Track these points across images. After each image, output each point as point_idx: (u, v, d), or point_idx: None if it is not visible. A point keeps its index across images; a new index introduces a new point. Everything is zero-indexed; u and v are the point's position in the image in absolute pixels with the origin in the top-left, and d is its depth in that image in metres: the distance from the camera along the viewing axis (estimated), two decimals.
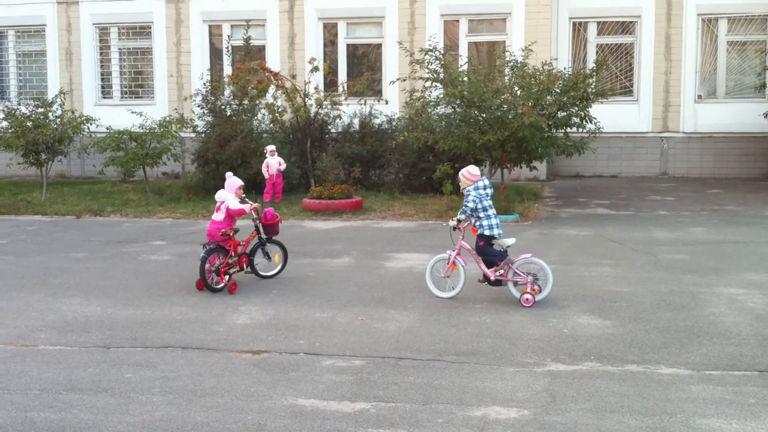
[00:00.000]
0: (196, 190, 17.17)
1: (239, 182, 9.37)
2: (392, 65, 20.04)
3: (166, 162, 17.96)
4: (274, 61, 20.18)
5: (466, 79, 14.80)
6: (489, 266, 8.47)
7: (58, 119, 17.99)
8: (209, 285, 8.90)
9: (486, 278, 8.52)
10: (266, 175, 16.15)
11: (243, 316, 7.97)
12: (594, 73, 15.02)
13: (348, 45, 21.00)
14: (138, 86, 22.11)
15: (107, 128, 17.51)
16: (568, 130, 15.07)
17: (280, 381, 6.07)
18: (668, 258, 10.58)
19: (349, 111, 18.43)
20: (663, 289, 8.86)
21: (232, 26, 20.72)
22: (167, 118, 17.72)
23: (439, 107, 15.36)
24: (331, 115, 18.23)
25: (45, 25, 21.95)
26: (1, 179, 20.85)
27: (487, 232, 8.48)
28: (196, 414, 5.45)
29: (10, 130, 17.59)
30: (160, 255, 11.38)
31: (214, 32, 21.43)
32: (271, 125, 18.01)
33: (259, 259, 9.58)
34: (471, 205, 8.43)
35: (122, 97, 21.98)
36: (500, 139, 14.20)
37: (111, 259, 11.07)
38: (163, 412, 5.50)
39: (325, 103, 17.74)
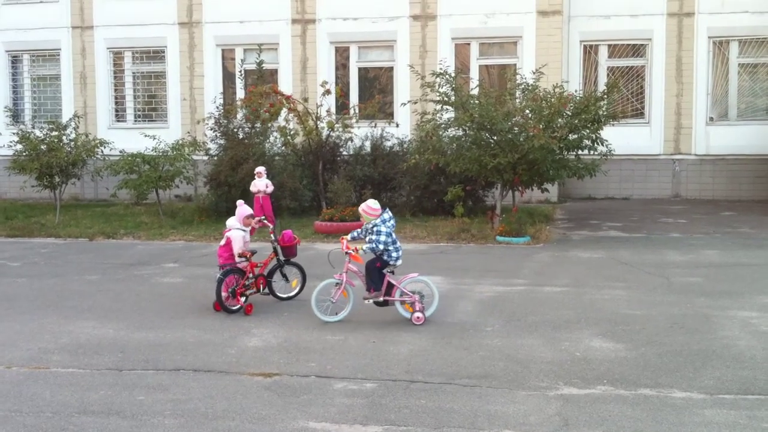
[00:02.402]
0: (208, 212, 17.24)
1: (246, 211, 9.42)
2: (403, 88, 20.14)
3: (178, 185, 18.07)
4: (286, 84, 20.33)
5: (476, 102, 14.86)
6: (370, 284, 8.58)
7: (72, 142, 18.13)
8: (225, 306, 8.93)
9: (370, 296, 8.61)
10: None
11: (255, 339, 7.97)
12: (605, 96, 15.04)
13: (359, 68, 21.13)
14: (151, 110, 22.29)
15: (120, 151, 17.64)
16: (580, 152, 15.09)
17: (291, 404, 6.07)
18: (681, 281, 10.53)
19: (361, 134, 18.52)
20: (676, 312, 8.82)
21: (244, 50, 20.89)
22: (180, 141, 17.86)
23: (450, 130, 15.42)
24: (343, 138, 18.32)
25: (60, 49, 22.20)
26: (15, 202, 20.99)
27: (392, 263, 8.57)
28: None
29: (24, 153, 17.73)
30: (173, 277, 11.41)
31: (227, 56, 21.62)
32: (283, 148, 18.10)
33: (277, 280, 9.62)
34: (383, 240, 8.42)
35: (136, 121, 22.15)
36: (511, 161, 14.22)
37: (124, 282, 11.11)
38: None
39: (336, 125, 17.83)
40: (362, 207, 8.68)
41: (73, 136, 18.31)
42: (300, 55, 20.93)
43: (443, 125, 15.32)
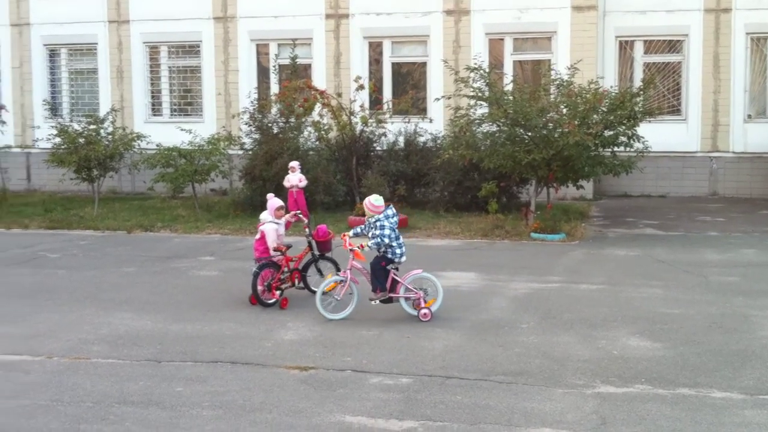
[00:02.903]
0: (243, 206, 17.36)
1: (277, 204, 9.47)
2: (437, 83, 20.09)
3: (214, 179, 18.20)
4: (320, 79, 20.37)
5: (511, 97, 14.80)
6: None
7: (110, 136, 18.35)
8: (261, 300, 9.01)
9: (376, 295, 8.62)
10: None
11: (290, 332, 8.04)
12: (641, 92, 14.90)
13: (393, 63, 21.12)
14: (187, 104, 22.48)
15: (157, 145, 17.81)
16: (616, 149, 14.97)
17: (327, 398, 6.11)
18: (719, 279, 10.42)
19: (394, 129, 18.52)
20: (714, 311, 8.73)
21: (279, 45, 20.95)
22: (215, 136, 17.97)
23: (483, 125, 15.37)
24: (376, 133, 18.34)
25: (97, 43, 22.43)
26: (53, 194, 21.29)
27: (397, 260, 8.57)
28: (245, 429, 5.51)
29: (62, 147, 17.97)
30: (209, 270, 11.53)
31: (261, 51, 21.71)
32: (317, 143, 18.16)
33: (312, 275, 9.68)
34: (388, 236, 8.40)
35: (172, 115, 22.33)
36: (546, 157, 14.14)
37: (161, 274, 11.25)
38: (212, 426, 5.57)
39: (370, 121, 17.86)
40: (365, 202, 8.69)
41: (110, 129, 18.54)
42: (333, 50, 20.97)
43: (477, 121, 15.28)
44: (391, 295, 8.57)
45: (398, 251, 8.52)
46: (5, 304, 9.38)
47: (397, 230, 8.55)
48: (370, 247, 8.45)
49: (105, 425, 5.59)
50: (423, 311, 8.42)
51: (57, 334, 8.05)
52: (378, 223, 8.45)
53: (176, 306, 9.26)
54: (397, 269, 8.64)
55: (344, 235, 8.66)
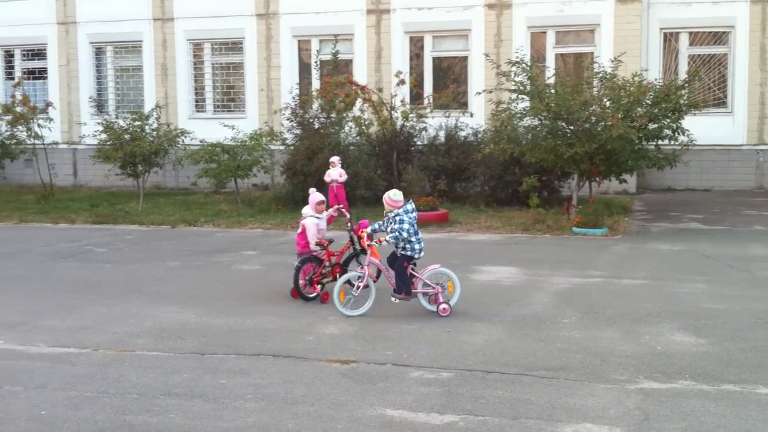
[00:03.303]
0: (285, 201, 17.50)
1: (318, 198, 9.50)
2: (478, 78, 20.02)
3: (256, 174, 18.39)
4: (361, 74, 20.43)
5: (553, 91, 14.69)
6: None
7: (154, 132, 18.64)
8: (302, 294, 9.07)
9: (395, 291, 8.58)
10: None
11: (332, 326, 8.08)
12: (686, 84, 14.69)
13: (434, 58, 21.08)
14: (230, 100, 22.70)
15: (201, 141, 18.04)
16: (660, 142, 14.77)
17: (368, 391, 6.14)
18: (765, 275, 10.23)
19: (435, 123, 18.52)
20: (760, 306, 8.58)
21: (320, 41, 21.05)
22: (258, 131, 18.15)
23: (525, 119, 15.27)
24: (417, 128, 18.36)
25: (142, 41, 22.77)
26: (99, 190, 21.68)
27: (417, 255, 8.50)
28: (287, 421, 5.56)
29: (108, 143, 18.30)
30: (251, 265, 11.65)
31: (303, 47, 21.84)
32: (358, 138, 18.22)
33: (353, 269, 9.70)
34: (407, 231, 8.34)
35: (215, 111, 22.58)
36: (588, 151, 14.01)
37: (204, 268, 11.39)
38: (255, 418, 5.63)
39: (411, 115, 17.88)
40: (384, 197, 8.63)
41: (155, 125, 18.82)
42: (374, 46, 21.00)
43: (518, 115, 15.20)
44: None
45: (417, 246, 8.47)
46: (53, 298, 9.58)
47: (416, 225, 8.51)
48: (387, 241, 8.40)
49: (150, 417, 5.68)
50: (442, 306, 8.39)
51: (103, 327, 8.20)
52: (397, 218, 8.42)
53: (219, 299, 9.37)
54: (414, 264, 8.62)
55: (362, 232, 8.64)
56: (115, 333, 7.96)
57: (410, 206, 8.53)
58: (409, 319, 8.31)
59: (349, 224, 9.76)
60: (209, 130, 19.40)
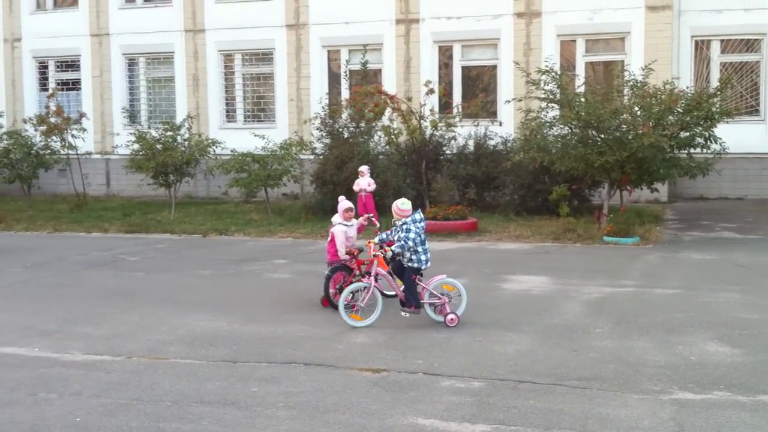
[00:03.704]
0: (314, 210, 17.57)
1: (345, 205, 9.51)
2: (507, 86, 19.99)
3: (286, 183, 18.50)
4: (390, 84, 20.49)
5: (583, 99, 14.62)
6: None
7: (186, 142, 18.82)
8: (333, 302, 9.09)
9: (403, 305, 8.52)
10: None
11: (362, 335, 8.10)
12: (718, 92, 14.55)
13: (463, 67, 21.09)
14: (260, 110, 22.86)
15: (231, 151, 18.18)
16: (692, 150, 14.63)
17: (399, 400, 6.14)
18: None
19: (464, 132, 18.52)
20: None
21: (349, 51, 21.15)
22: (287, 141, 18.25)
23: (555, 128, 15.22)
24: (446, 137, 18.38)
25: (173, 52, 23.02)
26: (131, 199, 21.91)
27: (423, 267, 8.46)
28: (319, 430, 5.58)
29: (141, 153, 18.51)
30: (282, 273, 11.71)
31: (332, 57, 21.95)
32: (387, 147, 18.27)
33: (382, 278, 9.71)
34: (413, 240, 8.31)
35: (245, 121, 22.76)
36: (619, 160, 13.93)
37: (235, 277, 11.47)
38: (287, 426, 5.65)
39: (440, 124, 17.89)
40: (393, 206, 8.63)
41: (186, 136, 19.01)
42: (403, 55, 21.06)
43: (548, 123, 15.15)
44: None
45: (423, 257, 8.44)
46: (87, 306, 9.70)
47: (423, 236, 8.47)
48: (393, 250, 8.38)
49: (183, 424, 5.72)
50: (450, 316, 8.34)
51: (136, 335, 8.28)
52: (405, 227, 8.41)
53: (250, 308, 9.43)
54: (421, 275, 8.59)
55: (370, 242, 8.63)
56: (148, 341, 8.04)
57: (418, 216, 8.51)
58: (440, 328, 8.29)
59: (378, 233, 9.76)
60: (240, 139, 19.56)
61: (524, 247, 13.70)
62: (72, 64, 24.18)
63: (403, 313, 8.51)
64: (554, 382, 6.45)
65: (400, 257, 8.53)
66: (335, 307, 9.08)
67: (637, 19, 19.34)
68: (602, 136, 14.31)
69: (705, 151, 14.59)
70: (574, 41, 20.10)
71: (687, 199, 20.00)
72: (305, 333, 8.21)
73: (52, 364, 7.29)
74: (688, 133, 14.27)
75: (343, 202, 9.61)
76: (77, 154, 20.37)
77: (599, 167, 14.22)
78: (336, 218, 9.54)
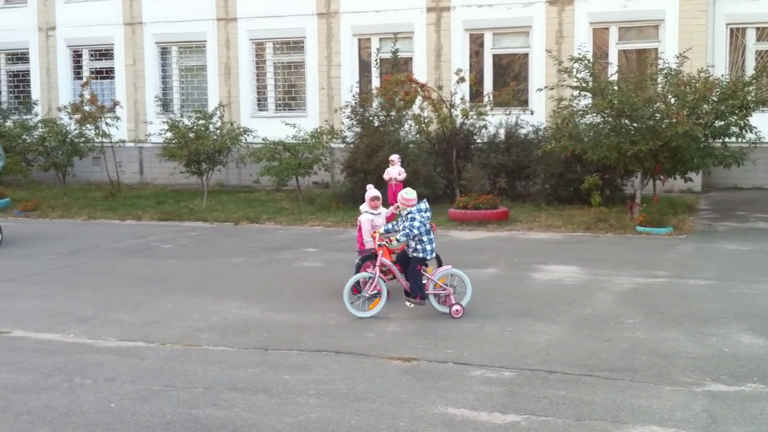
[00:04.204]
0: (345, 199, 17.61)
1: (372, 194, 9.47)
2: (539, 75, 19.83)
3: (316, 172, 18.56)
4: (420, 72, 20.42)
5: (616, 87, 14.48)
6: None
7: (218, 131, 18.94)
8: (363, 291, 9.11)
9: (408, 294, 8.49)
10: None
11: (392, 324, 8.12)
12: (754, 81, 14.33)
13: (494, 55, 20.96)
14: (291, 99, 22.92)
15: (263, 139, 18.25)
16: (726, 139, 14.44)
17: (430, 389, 6.16)
18: None
19: (495, 121, 18.42)
20: None
21: (380, 39, 21.12)
22: (318, 130, 18.28)
23: (587, 116, 15.10)
24: (477, 126, 18.29)
25: (205, 41, 23.13)
26: (164, 187, 22.11)
27: (428, 257, 8.42)
28: (350, 418, 5.62)
29: (173, 141, 18.66)
30: (312, 262, 11.77)
31: (363, 45, 21.92)
32: (418, 136, 18.24)
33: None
34: (417, 228, 8.26)
35: (276, 110, 22.83)
36: (652, 149, 13.79)
37: (266, 265, 11.56)
38: (318, 414, 5.70)
39: (470, 113, 17.81)
40: (398, 196, 8.63)
41: (218, 124, 19.12)
42: (434, 43, 20.97)
43: (580, 112, 15.02)
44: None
45: (428, 247, 8.41)
46: (121, 293, 9.83)
47: (428, 225, 8.43)
48: (398, 240, 8.35)
49: (216, 410, 5.79)
50: (455, 307, 8.30)
51: (169, 322, 8.38)
52: (409, 215, 8.40)
53: (281, 296, 9.50)
54: (426, 266, 8.56)
55: (375, 233, 8.62)
56: (181, 327, 8.14)
57: (423, 206, 8.47)
58: (470, 317, 8.29)
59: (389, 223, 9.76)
60: (271, 128, 19.62)
61: (555, 236, 13.63)
62: (106, 53, 24.38)
63: (407, 303, 8.50)
64: (585, 373, 6.43)
65: (405, 247, 8.51)
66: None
67: (671, 7, 19.06)
68: (635, 124, 14.17)
69: (740, 140, 14.39)
70: (607, 29, 19.87)
71: (721, 188, 19.74)
72: (336, 321, 8.26)
73: (87, 350, 7.41)
74: (722, 122, 14.08)
75: (370, 191, 9.61)
76: (111, 143, 20.58)
77: (632, 156, 14.09)
78: (364, 207, 9.55)
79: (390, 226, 8.67)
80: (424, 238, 8.40)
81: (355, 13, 21.46)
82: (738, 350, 6.97)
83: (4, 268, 11.53)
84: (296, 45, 22.52)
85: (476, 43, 21.06)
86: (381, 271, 8.56)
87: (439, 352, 7.13)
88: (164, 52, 23.98)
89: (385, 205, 9.88)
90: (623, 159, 14.33)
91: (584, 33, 19.65)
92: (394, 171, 15.71)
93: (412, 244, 8.42)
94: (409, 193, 8.56)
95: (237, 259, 12.10)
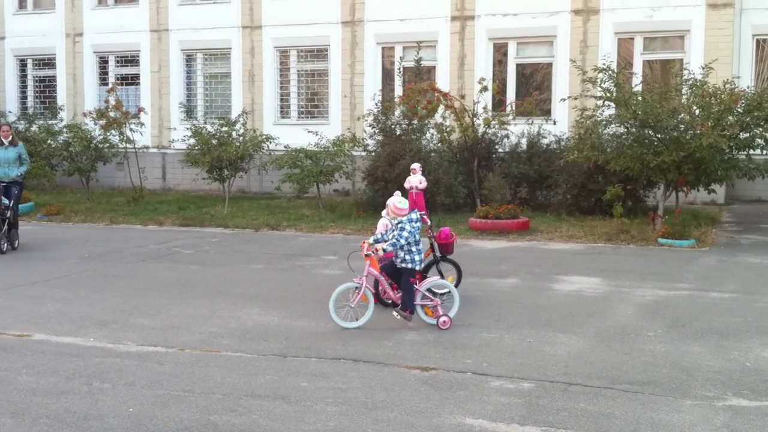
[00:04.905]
0: (365, 207, 17.62)
1: (389, 200, 9.38)
2: (562, 84, 19.78)
3: (337, 179, 18.60)
4: (443, 81, 20.44)
5: (640, 98, 14.40)
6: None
7: (241, 137, 19.04)
8: (382, 299, 9.11)
9: (395, 305, 8.40)
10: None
11: (411, 333, 8.10)
12: None
13: (517, 64, 20.93)
14: (313, 106, 23.02)
15: (285, 146, 18.33)
16: (751, 151, 14.31)
17: (448, 399, 6.13)
18: None
19: (517, 131, 18.39)
20: None
21: (404, 48, 21.18)
22: (340, 137, 18.34)
23: (610, 127, 15.02)
24: (499, 135, 18.27)
25: (230, 48, 23.30)
26: (187, 193, 22.26)
27: (417, 267, 8.33)
28: (367, 426, 5.60)
29: (196, 147, 18.79)
30: (332, 269, 11.77)
31: (386, 54, 21.99)
32: (439, 144, 18.23)
33: (432, 276, 9.70)
34: (405, 238, 8.18)
35: (299, 117, 22.94)
36: (676, 160, 13.69)
37: (287, 272, 11.58)
38: (336, 422, 5.69)
39: (492, 122, 17.78)
40: (389, 204, 8.50)
41: (241, 131, 19.23)
42: (458, 52, 20.98)
43: (603, 122, 14.95)
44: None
45: (417, 258, 8.34)
46: (142, 297, 9.88)
47: (417, 236, 8.35)
48: (384, 249, 8.26)
49: (234, 417, 5.79)
50: (442, 319, 8.21)
51: (189, 327, 8.41)
52: (399, 225, 8.33)
53: (301, 303, 9.51)
54: (416, 278, 8.48)
55: (364, 242, 8.51)
56: (201, 333, 8.16)
57: (414, 215, 8.39)
58: (489, 327, 8.26)
59: (429, 231, 9.77)
60: (293, 135, 19.72)
61: (576, 247, 13.56)
62: (131, 60, 24.63)
63: (394, 314, 8.41)
64: (605, 386, 6.37)
65: (394, 257, 8.45)
66: (384, 304, 9.11)
67: (697, 17, 18.96)
68: (659, 135, 14.08)
69: (765, 152, 14.26)
70: (632, 39, 19.80)
71: (744, 201, 19.56)
72: (354, 329, 8.24)
73: (107, 354, 7.44)
74: (747, 134, 13.97)
75: (392, 198, 9.49)
76: (135, 148, 20.77)
77: (655, 167, 14.00)
78: (384, 213, 9.52)
79: (379, 235, 8.56)
80: (413, 249, 8.32)
81: (380, 22, 21.54)
82: (760, 365, 6.88)
83: (27, 271, 11.65)
84: (320, 53, 22.62)
85: (500, 52, 21.05)
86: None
87: (458, 361, 7.09)
88: (189, 59, 24.17)
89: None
90: (646, 170, 14.24)
91: (609, 43, 19.59)
92: (415, 179, 15.68)
93: (401, 254, 8.35)
94: (401, 203, 8.45)
95: (257, 265, 12.14)
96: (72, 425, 5.65)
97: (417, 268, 8.41)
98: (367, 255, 8.39)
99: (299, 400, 6.12)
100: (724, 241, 13.82)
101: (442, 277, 9.72)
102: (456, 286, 9.77)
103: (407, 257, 8.34)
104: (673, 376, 6.59)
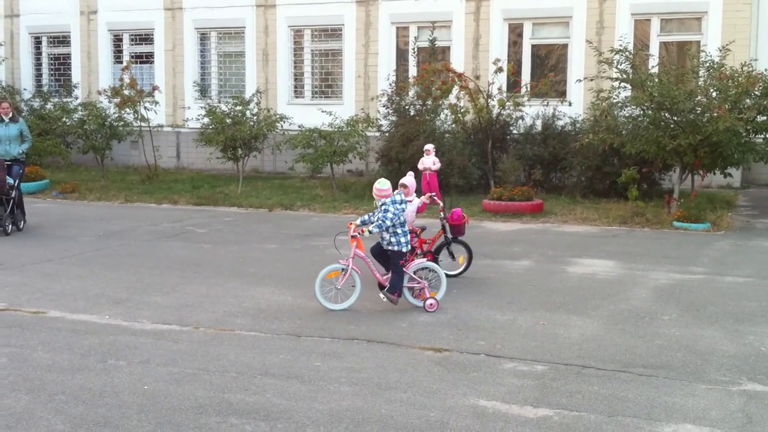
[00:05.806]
0: None
1: (402, 181, 9.25)
2: (578, 66, 19.62)
3: (351, 160, 18.56)
4: (458, 62, 20.30)
5: (657, 80, 14.28)
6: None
7: (255, 117, 19.01)
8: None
9: (382, 287, 8.37)
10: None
11: (425, 314, 8.11)
12: None
13: (532, 45, 20.76)
14: (327, 86, 22.93)
15: (299, 126, 18.29)
16: None
17: (461, 380, 6.14)
18: None
19: (532, 112, 18.26)
20: None
21: (418, 28, 21.03)
22: (354, 118, 18.28)
23: (626, 109, 14.91)
24: (513, 116, 18.14)
25: (244, 27, 23.20)
26: (201, 172, 22.28)
27: (405, 249, 8.28)
28: (380, 407, 5.62)
29: (210, 127, 18.77)
30: (345, 250, 11.71)
31: (400, 34, 21.84)
32: (453, 126, 18.15)
33: (443, 258, 9.71)
34: (390, 219, 8.12)
35: (313, 97, 22.85)
36: (692, 143, 13.58)
37: (300, 252, 11.60)
38: (349, 402, 5.71)
39: (507, 104, 17.67)
40: (373, 187, 8.43)
41: (255, 111, 19.20)
42: (473, 33, 20.82)
43: (619, 104, 14.84)
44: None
45: (403, 239, 8.29)
46: (156, 276, 9.93)
47: (402, 217, 8.29)
48: (371, 231, 8.22)
49: (248, 395, 5.82)
50: (429, 301, 8.19)
51: (203, 306, 8.45)
52: (383, 207, 8.27)
53: (314, 283, 9.49)
54: (405, 259, 8.44)
55: (351, 224, 8.46)
56: (215, 312, 8.20)
57: (398, 197, 8.32)
58: (503, 309, 8.26)
59: (442, 212, 9.76)
60: (307, 115, 19.66)
61: (591, 230, 13.51)
62: (146, 38, 24.57)
63: (381, 296, 8.37)
64: (619, 369, 6.36)
65: (380, 240, 8.42)
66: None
67: None
68: (675, 118, 13.96)
69: None
70: (649, 20, 19.59)
71: (761, 185, 19.41)
72: (367, 310, 8.27)
73: (122, 332, 7.49)
74: (765, 117, 13.83)
75: (405, 178, 9.43)
76: (149, 127, 20.77)
77: (671, 150, 13.90)
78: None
79: (366, 217, 8.51)
80: (399, 230, 8.28)
81: (394, 1, 21.38)
82: None
83: (42, 249, 11.71)
84: (334, 32, 22.50)
85: (515, 32, 20.88)
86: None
87: (471, 343, 7.10)
88: (203, 37, 24.09)
89: (420, 194, 9.83)
90: (662, 153, 14.15)
91: (625, 24, 19.39)
92: (429, 161, 15.65)
93: (386, 236, 8.31)
94: (381, 183, 8.36)
95: (271, 245, 12.17)
96: (87, 402, 5.70)
97: (404, 250, 8.35)
98: (353, 236, 8.33)
99: (312, 380, 6.15)
100: (739, 225, 13.74)
101: (453, 258, 9.72)
102: (467, 267, 9.78)
103: (393, 239, 8.30)
104: (687, 360, 6.57)
